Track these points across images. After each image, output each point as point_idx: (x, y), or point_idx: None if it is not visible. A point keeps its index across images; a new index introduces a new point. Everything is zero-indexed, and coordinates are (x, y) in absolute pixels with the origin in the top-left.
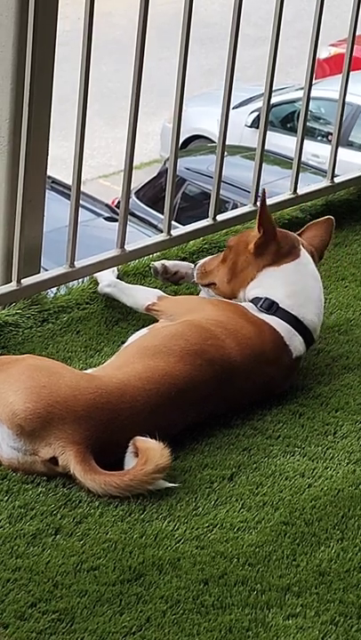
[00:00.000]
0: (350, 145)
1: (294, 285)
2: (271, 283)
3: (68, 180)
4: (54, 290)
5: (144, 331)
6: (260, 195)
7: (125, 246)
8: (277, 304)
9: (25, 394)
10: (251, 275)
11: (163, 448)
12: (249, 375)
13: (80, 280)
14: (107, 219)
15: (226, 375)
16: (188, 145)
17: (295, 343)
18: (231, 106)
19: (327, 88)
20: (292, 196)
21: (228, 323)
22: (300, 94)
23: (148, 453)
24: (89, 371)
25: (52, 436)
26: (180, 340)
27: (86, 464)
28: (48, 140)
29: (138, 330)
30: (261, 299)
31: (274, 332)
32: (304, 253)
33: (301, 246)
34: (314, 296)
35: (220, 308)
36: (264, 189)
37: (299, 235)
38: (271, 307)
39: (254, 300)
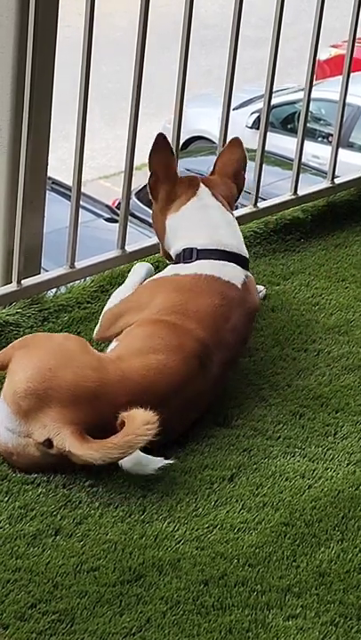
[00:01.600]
0: (351, 146)
1: (199, 222)
2: (180, 233)
3: (68, 180)
4: (55, 289)
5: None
6: (261, 196)
7: (126, 247)
8: (195, 248)
9: (30, 373)
10: (161, 228)
11: (147, 411)
12: (222, 340)
13: (80, 280)
14: (107, 219)
15: (208, 359)
16: (189, 146)
17: (230, 272)
18: (232, 107)
19: (328, 89)
20: (293, 197)
21: (174, 305)
22: (300, 95)
23: (133, 414)
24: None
25: (48, 418)
26: (156, 338)
27: (82, 438)
28: (48, 140)
29: None
30: (180, 253)
31: (208, 278)
32: (202, 190)
33: (201, 184)
34: (221, 223)
35: (158, 292)
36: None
37: (212, 172)
38: (191, 254)
39: (177, 258)
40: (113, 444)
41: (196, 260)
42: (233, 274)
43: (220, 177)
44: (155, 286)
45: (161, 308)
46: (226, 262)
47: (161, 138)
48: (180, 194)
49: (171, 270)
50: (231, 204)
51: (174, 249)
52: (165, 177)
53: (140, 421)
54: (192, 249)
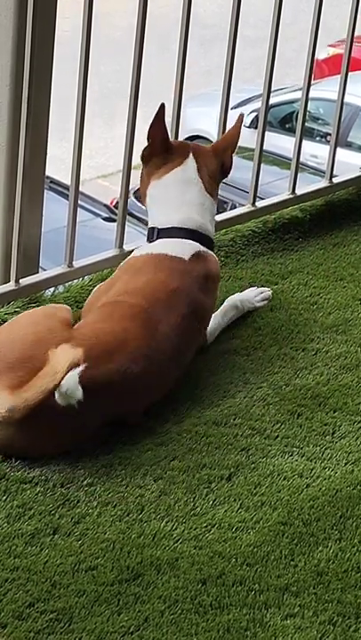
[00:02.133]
0: (349, 145)
1: (173, 199)
2: (154, 208)
3: (66, 180)
4: (53, 288)
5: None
6: (259, 196)
7: (124, 246)
8: (156, 228)
9: None
10: (144, 193)
11: (69, 347)
12: (166, 304)
13: (78, 279)
14: (105, 219)
15: (150, 320)
16: None
17: (178, 248)
18: (230, 106)
19: (326, 89)
20: (291, 196)
21: (126, 287)
22: (298, 95)
23: (56, 350)
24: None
25: None
26: (103, 314)
27: (12, 390)
28: (47, 139)
29: None
30: (148, 232)
31: (156, 257)
32: (189, 161)
33: (191, 154)
34: (194, 201)
35: (118, 278)
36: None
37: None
38: (153, 234)
39: (147, 236)
40: (38, 381)
41: (156, 239)
42: (181, 249)
43: (213, 150)
44: (118, 273)
45: (116, 291)
46: (180, 240)
47: (163, 108)
48: (169, 161)
49: (136, 252)
50: (215, 179)
51: (148, 225)
52: (161, 146)
53: (60, 356)
54: (154, 229)
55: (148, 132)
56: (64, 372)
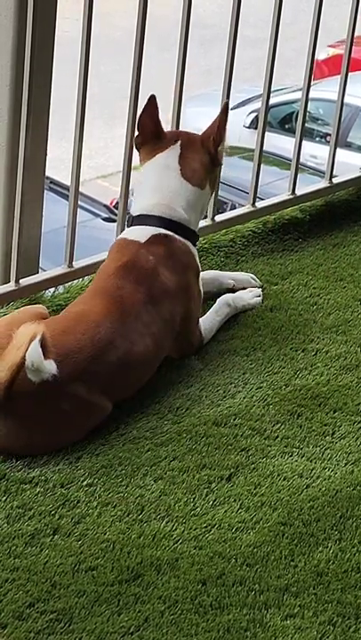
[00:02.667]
0: (349, 146)
1: (151, 185)
2: (136, 194)
3: (66, 180)
4: (53, 288)
5: None
6: (259, 196)
7: None
8: (131, 216)
9: None
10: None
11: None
12: (121, 282)
13: (78, 280)
14: (105, 219)
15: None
16: None
17: (137, 232)
18: (230, 106)
19: (326, 89)
20: (291, 196)
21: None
22: (298, 95)
23: (19, 329)
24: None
25: None
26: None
27: None
28: (47, 140)
29: None
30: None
31: (119, 242)
32: (174, 147)
33: (179, 141)
34: (169, 187)
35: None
36: None
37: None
38: (129, 222)
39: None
40: (4, 360)
41: (130, 226)
42: (139, 233)
43: (200, 139)
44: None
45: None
46: (143, 226)
47: (153, 98)
48: (157, 148)
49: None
50: (204, 168)
51: None
52: (151, 134)
53: (21, 332)
54: (130, 216)
55: (138, 119)
56: (26, 345)
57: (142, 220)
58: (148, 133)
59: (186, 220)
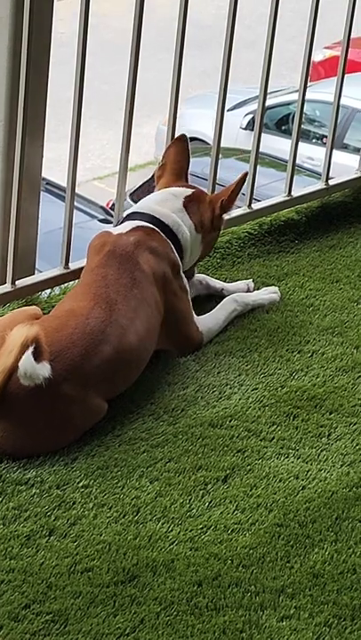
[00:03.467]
0: (345, 147)
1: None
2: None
3: (62, 181)
4: (49, 290)
5: None
6: (255, 197)
7: None
8: (122, 216)
9: None
10: None
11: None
12: (103, 270)
13: (74, 281)
14: (101, 221)
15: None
16: None
17: (120, 227)
18: (226, 108)
19: (322, 91)
20: (287, 198)
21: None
22: (294, 97)
23: (12, 331)
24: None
25: None
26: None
27: None
28: (43, 141)
29: None
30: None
31: (101, 234)
32: (186, 188)
33: (194, 190)
34: (161, 199)
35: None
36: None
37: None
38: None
39: None
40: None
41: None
42: (123, 226)
43: (214, 198)
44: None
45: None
46: (131, 221)
47: (183, 136)
48: (175, 184)
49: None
50: (204, 222)
51: None
52: (174, 170)
53: (14, 334)
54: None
55: (165, 151)
56: (18, 349)
57: (131, 216)
58: (170, 169)
59: (176, 226)
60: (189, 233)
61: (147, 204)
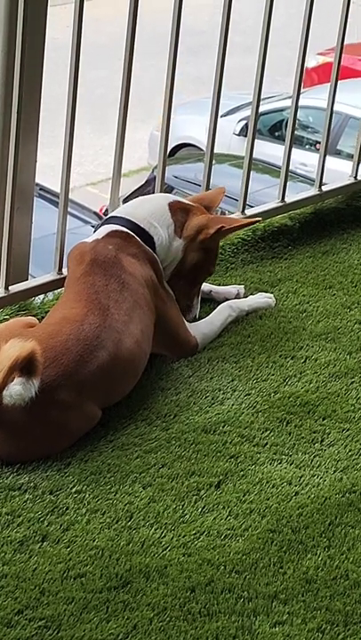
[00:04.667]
0: (338, 154)
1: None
2: None
3: (56, 187)
4: (42, 295)
5: None
6: (248, 204)
7: None
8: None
9: None
10: None
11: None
12: (85, 276)
13: None
14: (95, 226)
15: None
16: (176, 153)
17: (97, 232)
18: (219, 114)
19: (315, 97)
20: (280, 204)
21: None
22: (288, 103)
23: (5, 346)
24: None
25: None
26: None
27: None
28: (36, 147)
29: None
30: None
31: (83, 245)
32: (185, 204)
33: (198, 210)
34: (139, 200)
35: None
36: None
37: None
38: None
39: None
40: None
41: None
42: (98, 232)
43: (216, 218)
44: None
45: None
46: (106, 226)
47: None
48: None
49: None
50: (186, 228)
51: None
52: (198, 201)
53: (4, 353)
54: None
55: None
56: (5, 372)
57: (107, 221)
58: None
59: (152, 228)
60: (167, 234)
61: (125, 208)
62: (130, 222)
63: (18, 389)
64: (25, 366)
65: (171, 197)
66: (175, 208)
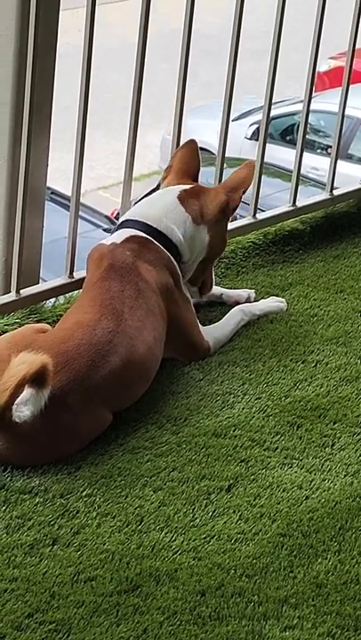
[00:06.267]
0: (350, 158)
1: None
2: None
3: (67, 191)
4: (53, 299)
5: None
6: (260, 207)
7: None
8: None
9: None
10: None
11: (27, 353)
12: (100, 280)
13: (79, 290)
14: (106, 230)
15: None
16: None
17: (114, 236)
18: (231, 118)
19: (327, 101)
20: (292, 208)
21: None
22: (299, 107)
23: (15, 358)
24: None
25: None
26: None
27: None
28: (48, 151)
29: None
30: None
31: (97, 247)
32: (187, 185)
33: (197, 185)
34: (153, 198)
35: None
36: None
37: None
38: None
39: None
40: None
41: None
42: (116, 236)
43: (222, 189)
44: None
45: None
46: (124, 229)
47: (192, 140)
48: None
49: None
50: (205, 213)
51: None
52: (177, 170)
53: (15, 362)
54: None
55: (173, 154)
56: (12, 390)
57: (124, 224)
58: (176, 169)
59: (169, 230)
60: (185, 230)
61: (139, 210)
62: (147, 226)
63: (26, 412)
64: (35, 379)
65: (176, 189)
66: (185, 198)
